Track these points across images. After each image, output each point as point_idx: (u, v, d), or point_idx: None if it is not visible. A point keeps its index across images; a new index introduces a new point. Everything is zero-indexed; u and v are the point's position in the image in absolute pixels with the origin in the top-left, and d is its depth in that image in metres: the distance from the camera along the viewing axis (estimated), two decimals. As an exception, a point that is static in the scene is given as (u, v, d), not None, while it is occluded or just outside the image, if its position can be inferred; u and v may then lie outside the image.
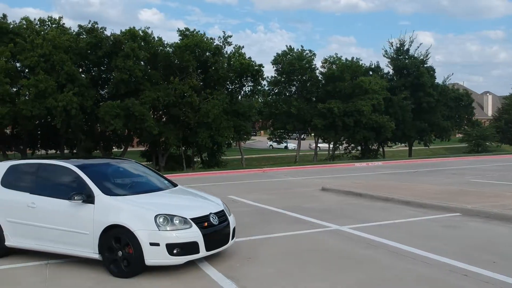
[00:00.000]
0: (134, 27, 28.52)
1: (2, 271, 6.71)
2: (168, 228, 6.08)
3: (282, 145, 71.72)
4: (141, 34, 29.29)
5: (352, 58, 38.29)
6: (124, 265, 6.13)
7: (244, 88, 35.11)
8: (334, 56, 38.53)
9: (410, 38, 41.42)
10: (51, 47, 24.53)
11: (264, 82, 37.27)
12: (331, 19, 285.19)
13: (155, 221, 6.07)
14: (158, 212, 6.17)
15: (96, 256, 6.35)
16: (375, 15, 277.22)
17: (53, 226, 6.69)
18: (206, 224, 6.39)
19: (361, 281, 5.82)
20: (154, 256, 6.00)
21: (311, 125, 37.43)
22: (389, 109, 38.04)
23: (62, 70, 24.83)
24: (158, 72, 29.82)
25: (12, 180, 7.50)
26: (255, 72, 33.11)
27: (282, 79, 39.17)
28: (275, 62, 38.94)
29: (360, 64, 38.67)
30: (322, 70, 38.84)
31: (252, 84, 34.46)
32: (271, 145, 72.95)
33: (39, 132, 31.21)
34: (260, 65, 33.50)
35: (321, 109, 35.77)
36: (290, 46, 38.74)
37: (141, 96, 27.46)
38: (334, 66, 38.03)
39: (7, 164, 7.78)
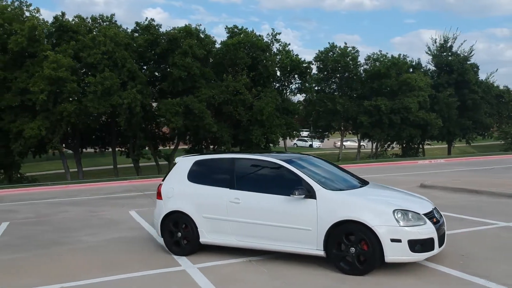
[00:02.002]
0: (189, 24, 28.41)
1: (211, 268, 6.52)
2: (405, 224, 5.84)
3: (307, 144, 71.66)
4: (194, 31, 29.10)
5: (399, 55, 37.93)
6: (358, 262, 5.91)
7: (290, 85, 34.90)
8: (378, 53, 38.20)
9: (453, 34, 40.90)
10: (113, 45, 24.44)
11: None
12: (336, 17, 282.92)
13: (394, 216, 5.84)
14: (396, 207, 5.94)
15: (321, 253, 6.13)
16: (380, 13, 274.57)
17: (265, 222, 6.49)
18: (434, 220, 6.17)
19: None
20: (395, 253, 5.76)
21: (357, 122, 37.04)
22: (434, 106, 37.61)
23: (124, 67, 24.72)
24: (211, 70, 29.63)
25: (202, 175, 7.32)
26: (304, 69, 32.91)
27: (323, 76, 38.91)
28: (317, 59, 38.58)
29: (406, 61, 38.25)
30: (365, 67, 38.46)
31: (300, 81, 34.22)
32: (295, 143, 72.80)
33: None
34: (310, 63, 33.34)
35: (368, 106, 35.42)
36: (333, 43, 38.49)
37: (197, 94, 27.31)
38: (377, 63, 37.64)
39: (191, 159, 7.60)
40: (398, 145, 42.25)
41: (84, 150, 33.73)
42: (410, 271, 6.01)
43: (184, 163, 7.59)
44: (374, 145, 41.25)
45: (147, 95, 26.02)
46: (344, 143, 64.06)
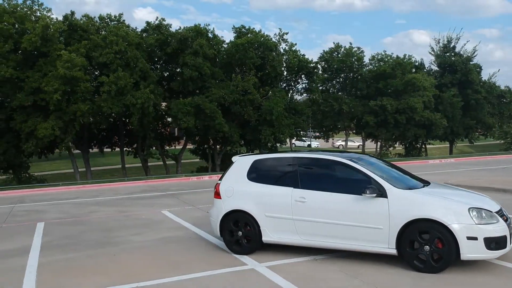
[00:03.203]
0: (199, 24, 28.34)
1: (280, 266, 6.52)
2: (480, 222, 5.91)
3: (305, 143, 71.90)
4: (203, 31, 29.03)
5: (405, 55, 38.16)
6: (433, 260, 5.97)
7: (297, 85, 34.98)
8: (382, 53, 38.36)
9: (457, 35, 41.17)
10: (125, 44, 24.34)
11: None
12: (327, 18, 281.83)
13: (470, 214, 5.91)
14: (471, 206, 6.02)
15: (393, 251, 6.17)
16: (371, 13, 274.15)
17: (333, 221, 6.52)
18: (504, 218, 6.25)
19: None
20: (471, 251, 5.82)
21: (361, 122, 37.16)
22: (439, 106, 37.87)
23: (136, 67, 24.62)
24: (221, 70, 29.59)
25: (263, 175, 7.35)
26: (312, 69, 33.01)
27: (328, 76, 39.02)
28: (321, 59, 38.65)
29: (411, 61, 38.49)
30: (370, 67, 38.61)
31: (306, 81, 34.29)
32: (293, 143, 72.91)
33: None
34: (317, 63, 33.42)
35: (373, 106, 35.56)
36: (338, 43, 38.58)
37: (207, 94, 27.28)
38: (381, 63, 37.81)
39: (250, 158, 7.62)
40: (401, 145, 42.45)
41: (90, 150, 33.54)
42: (482, 269, 6.09)
43: (243, 162, 7.60)
44: (378, 145, 41.37)
45: (157, 95, 25.96)
46: (342, 143, 64.48)
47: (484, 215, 6.00)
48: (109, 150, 33.90)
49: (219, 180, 7.80)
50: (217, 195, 7.60)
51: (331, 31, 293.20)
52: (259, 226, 7.08)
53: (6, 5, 24.07)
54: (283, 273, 6.23)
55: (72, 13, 26.41)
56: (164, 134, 33.19)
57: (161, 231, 9.60)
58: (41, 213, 12.99)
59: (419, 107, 35.01)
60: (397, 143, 42.13)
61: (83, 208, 13.54)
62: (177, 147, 35.26)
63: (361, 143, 56.52)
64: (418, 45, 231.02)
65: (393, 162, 26.83)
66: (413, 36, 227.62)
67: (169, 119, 31.29)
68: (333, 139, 52.08)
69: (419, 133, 37.06)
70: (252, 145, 32.59)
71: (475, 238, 5.81)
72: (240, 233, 7.24)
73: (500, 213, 6.26)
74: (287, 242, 6.99)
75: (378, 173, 6.64)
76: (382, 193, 6.27)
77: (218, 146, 33.68)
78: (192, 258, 7.27)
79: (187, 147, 35.51)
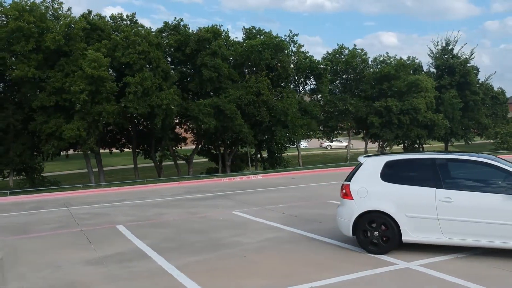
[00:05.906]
0: (215, 25, 28.23)
1: (433, 265, 6.70)
2: None
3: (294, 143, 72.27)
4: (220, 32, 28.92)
5: (408, 57, 38.92)
6: None
7: (306, 86, 35.28)
8: (385, 55, 38.98)
9: (455, 38, 42.25)
10: (147, 44, 24.06)
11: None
12: (298, 19, 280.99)
13: None
14: None
15: (549, 248, 6.45)
16: (340, 15, 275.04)
17: (486, 220, 6.70)
18: None
19: None
20: None
21: (367, 123, 37.67)
22: (440, 107, 38.78)
23: (159, 67, 24.38)
24: (235, 70, 29.55)
25: (398, 175, 7.49)
26: (322, 71, 33.32)
27: (331, 77, 39.41)
28: (325, 60, 38.94)
29: (415, 62, 39.29)
30: (372, 69, 39.21)
31: (314, 82, 34.58)
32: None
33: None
34: (327, 64, 33.72)
35: (378, 107, 36.14)
36: (342, 44, 38.97)
37: (226, 95, 27.22)
38: (383, 65, 38.42)
39: (381, 159, 7.74)
40: (397, 144, 43.15)
41: (101, 150, 32.91)
42: None
43: (373, 163, 7.72)
44: (379, 145, 41.98)
45: (177, 95, 25.74)
46: (330, 144, 65.13)
47: None
48: (117, 151, 33.33)
49: (346, 181, 7.90)
50: (347, 195, 7.70)
51: (301, 32, 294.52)
52: (398, 226, 7.22)
53: (23, 3, 23.40)
54: (446, 271, 6.40)
55: (89, 12, 26.00)
56: (178, 134, 32.89)
57: (259, 232, 9.62)
58: (106, 216, 12.78)
59: (422, 108, 35.79)
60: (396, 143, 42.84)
61: (146, 210, 13.40)
62: (183, 148, 35.05)
63: (348, 143, 57.27)
64: (387, 47, 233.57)
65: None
66: (382, 38, 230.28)
67: (176, 120, 31.09)
68: (320, 140, 52.45)
69: (421, 134, 37.84)
70: (264, 146, 32.71)
71: None
72: (377, 233, 7.36)
73: None
74: (428, 241, 7.16)
75: (517, 171, 6.89)
76: (534, 192, 6.52)
77: (229, 149, 33.51)
78: (330, 259, 7.36)
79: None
